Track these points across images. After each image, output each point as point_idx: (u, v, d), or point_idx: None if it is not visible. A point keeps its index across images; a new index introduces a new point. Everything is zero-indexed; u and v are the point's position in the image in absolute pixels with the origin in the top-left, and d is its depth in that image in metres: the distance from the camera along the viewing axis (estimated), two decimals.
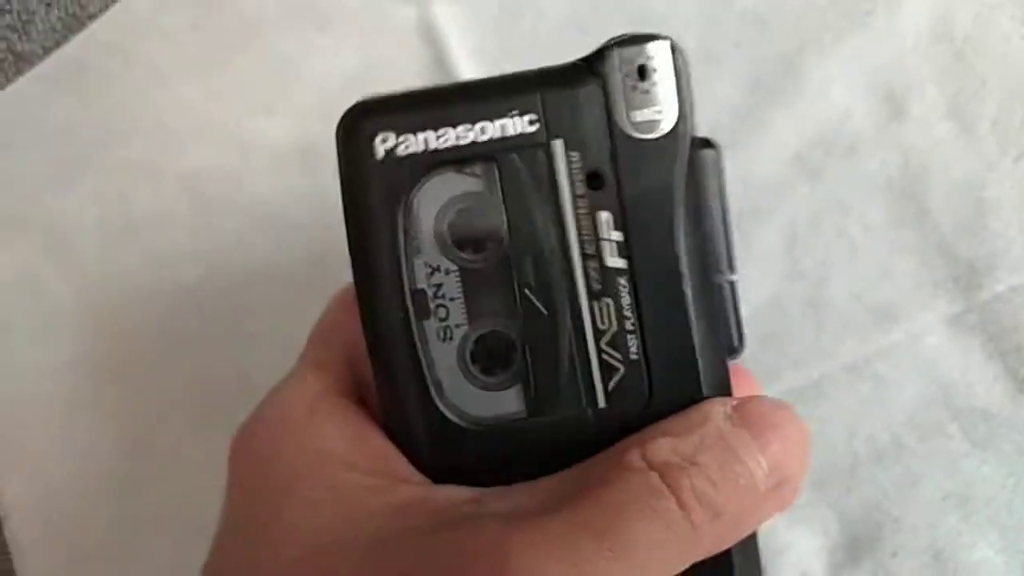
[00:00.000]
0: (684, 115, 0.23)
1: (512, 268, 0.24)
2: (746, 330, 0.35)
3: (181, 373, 0.40)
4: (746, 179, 0.37)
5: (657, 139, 0.23)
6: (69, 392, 0.40)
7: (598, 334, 0.24)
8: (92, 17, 0.38)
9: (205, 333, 0.40)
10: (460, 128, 0.23)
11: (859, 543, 0.35)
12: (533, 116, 0.23)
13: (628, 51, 0.23)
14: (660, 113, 0.23)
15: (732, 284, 0.25)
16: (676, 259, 0.24)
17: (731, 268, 0.25)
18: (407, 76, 0.41)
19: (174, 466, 0.39)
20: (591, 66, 0.23)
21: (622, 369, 0.24)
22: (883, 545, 0.35)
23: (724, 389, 0.24)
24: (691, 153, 0.24)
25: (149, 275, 0.41)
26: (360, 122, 0.23)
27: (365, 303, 0.24)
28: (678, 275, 0.24)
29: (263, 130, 0.41)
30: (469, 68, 0.40)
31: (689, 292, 0.24)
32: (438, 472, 0.24)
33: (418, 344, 0.24)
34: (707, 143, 0.25)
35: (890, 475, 0.36)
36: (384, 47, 0.40)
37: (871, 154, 0.37)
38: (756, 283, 0.37)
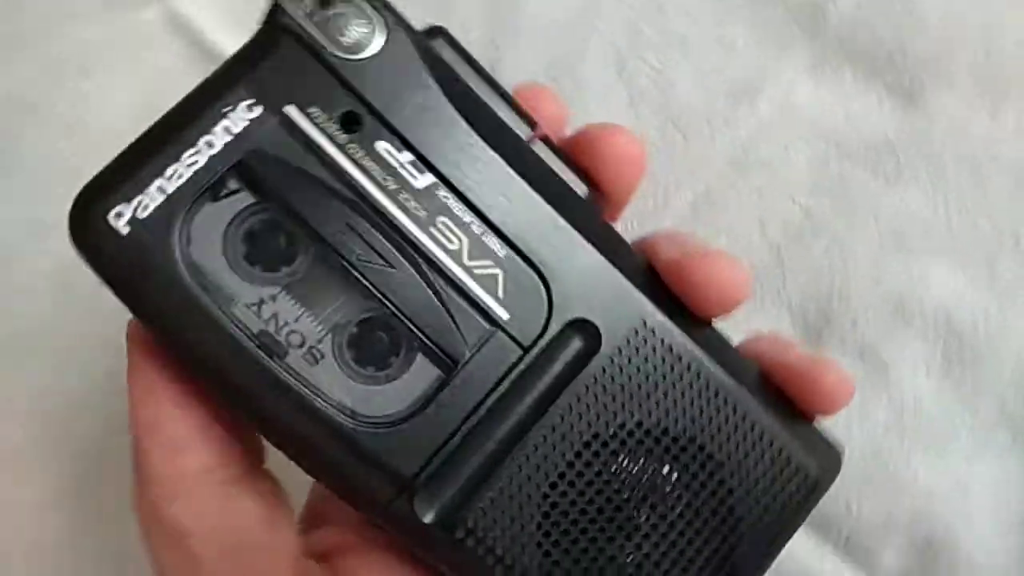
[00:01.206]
0: (394, 17, 0.22)
1: (333, 251, 0.21)
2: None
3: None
4: (541, 28, 0.34)
5: (382, 50, 0.21)
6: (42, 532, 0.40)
7: (455, 256, 0.22)
8: None
9: None
10: (185, 156, 0.21)
11: (815, 326, 0.33)
12: (249, 101, 0.21)
13: None
14: (368, 26, 0.21)
15: (544, 138, 0.23)
16: (475, 145, 0.22)
17: (530, 125, 0.23)
18: (187, 76, 0.38)
19: None
20: (274, 25, 0.21)
21: (499, 272, 0.22)
22: (838, 318, 0.33)
23: (607, 235, 0.23)
24: (426, 44, 0.22)
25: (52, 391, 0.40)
26: (85, 212, 0.21)
27: (214, 382, 0.22)
28: (490, 158, 0.22)
29: None
30: (230, 39, 0.37)
31: (510, 166, 0.22)
32: (427, 484, 0.22)
33: (296, 385, 0.21)
34: (433, 31, 0.23)
35: (817, 250, 0.33)
36: (150, 62, 0.38)
37: None
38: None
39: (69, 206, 0.21)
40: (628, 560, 0.22)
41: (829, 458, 0.24)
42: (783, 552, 0.33)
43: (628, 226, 0.34)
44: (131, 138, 0.22)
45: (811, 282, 0.33)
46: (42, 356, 0.39)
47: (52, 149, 0.37)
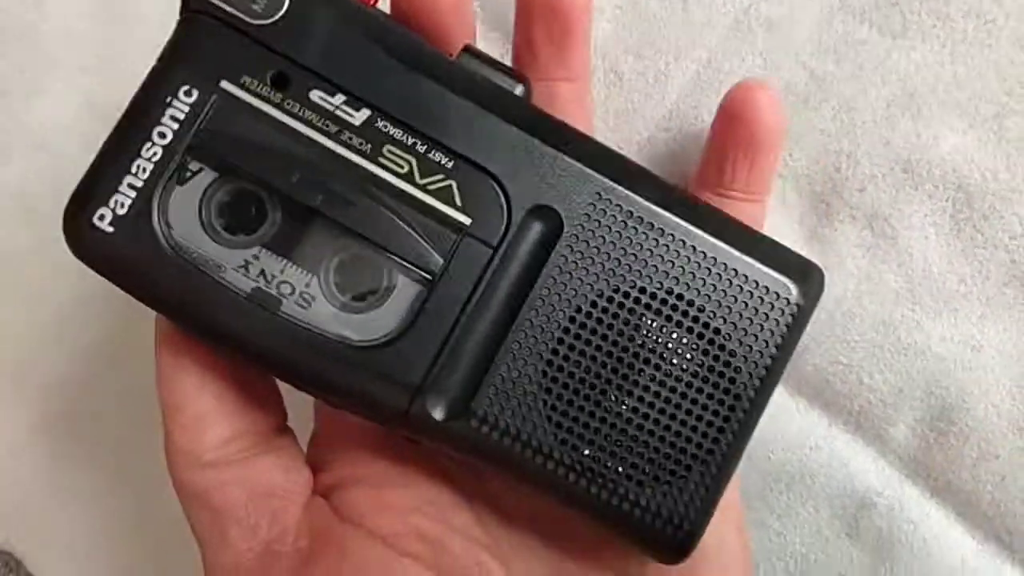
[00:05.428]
0: None
1: (297, 202, 0.23)
2: (612, 47, 0.31)
3: None
4: None
5: (290, 7, 0.23)
6: None
7: (407, 178, 0.23)
8: None
9: None
10: (144, 150, 0.23)
11: (823, 196, 0.32)
12: (185, 88, 0.23)
13: None
14: None
15: (468, 48, 0.25)
16: (398, 69, 0.23)
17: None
18: None
19: None
20: (190, 10, 0.23)
21: (452, 183, 0.23)
22: (847, 184, 0.32)
23: (549, 125, 0.24)
24: None
25: None
26: (75, 222, 0.23)
27: (226, 347, 0.24)
28: (415, 79, 0.23)
29: None
30: None
31: (436, 81, 0.23)
32: (434, 385, 0.24)
33: (297, 330, 0.23)
34: None
35: (824, 113, 0.32)
36: None
37: None
38: None
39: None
40: (636, 412, 0.24)
41: (808, 277, 0.25)
42: (793, 430, 0.33)
43: (629, 104, 0.33)
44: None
45: (818, 148, 0.32)
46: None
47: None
